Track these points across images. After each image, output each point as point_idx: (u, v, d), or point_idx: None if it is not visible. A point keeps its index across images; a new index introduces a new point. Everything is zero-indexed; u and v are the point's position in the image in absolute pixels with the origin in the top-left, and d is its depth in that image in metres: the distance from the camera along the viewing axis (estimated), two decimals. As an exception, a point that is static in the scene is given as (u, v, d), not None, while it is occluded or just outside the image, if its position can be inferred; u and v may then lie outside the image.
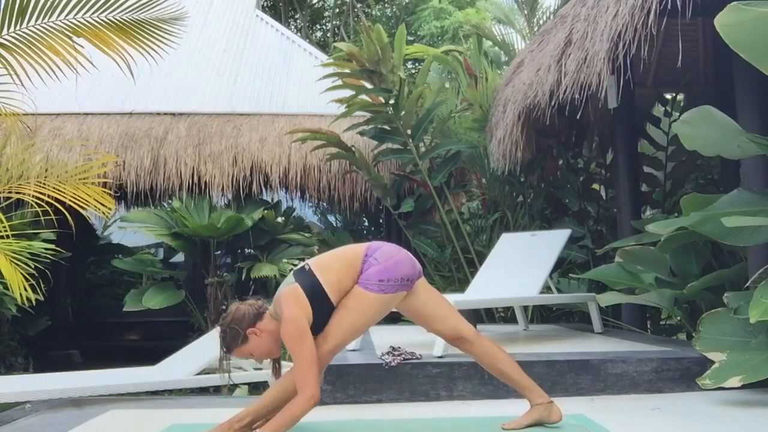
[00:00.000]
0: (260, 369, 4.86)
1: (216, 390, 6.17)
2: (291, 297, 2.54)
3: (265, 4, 18.09)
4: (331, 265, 2.64)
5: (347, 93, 6.71)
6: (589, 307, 4.88)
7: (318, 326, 2.59)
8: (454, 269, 6.81)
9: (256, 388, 5.94)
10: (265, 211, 7.73)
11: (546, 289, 4.86)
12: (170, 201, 8.19)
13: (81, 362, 8.01)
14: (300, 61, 9.51)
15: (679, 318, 5.12)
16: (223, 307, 7.73)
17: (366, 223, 9.59)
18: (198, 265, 8.31)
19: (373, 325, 2.74)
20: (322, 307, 2.57)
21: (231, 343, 2.56)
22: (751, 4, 2.95)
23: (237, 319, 2.56)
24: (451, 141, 6.83)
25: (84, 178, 4.35)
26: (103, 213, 4.38)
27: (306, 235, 8.05)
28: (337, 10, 19.57)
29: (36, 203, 4.15)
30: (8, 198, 4.24)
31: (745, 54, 3.13)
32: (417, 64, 15.69)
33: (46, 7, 4.08)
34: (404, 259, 2.68)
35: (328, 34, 19.39)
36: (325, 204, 9.30)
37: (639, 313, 5.28)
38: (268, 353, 2.63)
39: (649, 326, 5.57)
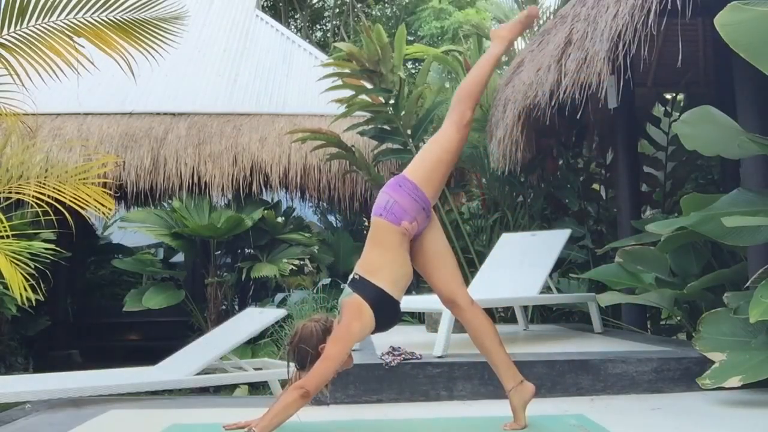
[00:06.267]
0: (260, 369, 4.86)
1: (216, 390, 6.17)
2: (353, 307, 2.58)
3: (265, 4, 18.09)
4: (375, 262, 2.66)
5: (347, 93, 6.70)
6: (589, 307, 4.87)
7: (385, 322, 2.67)
8: (454, 269, 6.79)
9: (256, 388, 5.94)
10: (265, 211, 7.73)
11: (546, 289, 4.86)
12: (170, 201, 8.19)
13: (81, 362, 8.02)
14: (300, 61, 9.51)
15: (679, 318, 5.12)
16: (223, 307, 7.74)
17: (366, 223, 9.57)
18: (198, 265, 8.31)
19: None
20: (388, 308, 2.63)
21: (305, 361, 2.55)
22: (751, 3, 2.94)
23: (305, 338, 2.56)
24: (451, 141, 6.80)
25: (84, 179, 4.35)
26: (103, 213, 4.38)
27: (306, 235, 8.05)
28: (337, 10, 19.58)
29: (36, 203, 4.15)
30: (8, 198, 4.24)
31: (744, 54, 3.13)
32: (417, 64, 15.69)
33: (46, 7, 4.08)
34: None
35: (328, 34, 19.40)
36: (325, 204, 9.30)
37: (639, 313, 5.28)
38: (343, 364, 2.62)
39: (649, 326, 5.57)
